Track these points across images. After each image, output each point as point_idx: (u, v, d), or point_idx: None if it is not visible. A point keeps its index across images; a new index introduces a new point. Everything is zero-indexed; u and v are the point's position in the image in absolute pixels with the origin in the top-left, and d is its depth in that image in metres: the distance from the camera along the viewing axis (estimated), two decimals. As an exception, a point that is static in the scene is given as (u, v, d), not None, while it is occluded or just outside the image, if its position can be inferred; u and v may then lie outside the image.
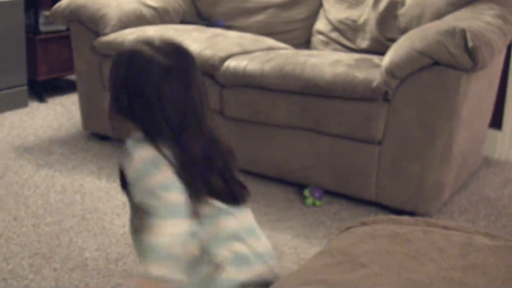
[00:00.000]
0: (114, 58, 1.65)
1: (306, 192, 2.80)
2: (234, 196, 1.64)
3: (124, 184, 1.59)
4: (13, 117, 3.91)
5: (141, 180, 1.52)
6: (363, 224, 1.41)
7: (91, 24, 3.32)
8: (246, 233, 1.64)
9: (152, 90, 1.56)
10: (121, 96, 1.59)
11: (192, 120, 1.58)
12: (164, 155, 1.53)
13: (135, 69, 1.58)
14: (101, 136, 3.39)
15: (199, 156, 1.57)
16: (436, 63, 2.45)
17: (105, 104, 1.66)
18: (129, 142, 1.56)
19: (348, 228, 1.44)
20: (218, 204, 1.60)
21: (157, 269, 1.48)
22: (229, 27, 3.55)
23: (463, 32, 2.41)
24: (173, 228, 1.51)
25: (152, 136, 1.55)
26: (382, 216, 1.47)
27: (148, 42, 1.62)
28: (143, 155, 1.53)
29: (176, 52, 1.62)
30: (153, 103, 1.55)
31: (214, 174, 1.60)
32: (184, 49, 1.65)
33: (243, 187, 1.69)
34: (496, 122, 3.37)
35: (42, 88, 4.30)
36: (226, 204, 1.61)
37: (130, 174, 1.54)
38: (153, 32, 3.14)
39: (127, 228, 2.50)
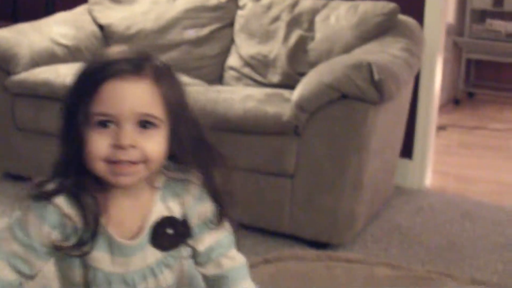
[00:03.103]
0: None
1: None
2: None
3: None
4: None
5: None
6: (267, 261, 1.42)
7: (2, 63, 3.24)
8: None
9: None
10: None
11: None
12: None
13: None
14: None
15: None
16: (344, 96, 2.50)
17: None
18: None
19: (251, 266, 1.45)
20: None
21: None
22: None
23: (369, 65, 2.47)
24: None
25: None
26: (285, 252, 1.48)
27: None
28: None
29: None
30: None
31: None
32: None
33: None
34: (407, 151, 3.45)
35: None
36: None
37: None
38: (65, 70, 3.11)
39: None
